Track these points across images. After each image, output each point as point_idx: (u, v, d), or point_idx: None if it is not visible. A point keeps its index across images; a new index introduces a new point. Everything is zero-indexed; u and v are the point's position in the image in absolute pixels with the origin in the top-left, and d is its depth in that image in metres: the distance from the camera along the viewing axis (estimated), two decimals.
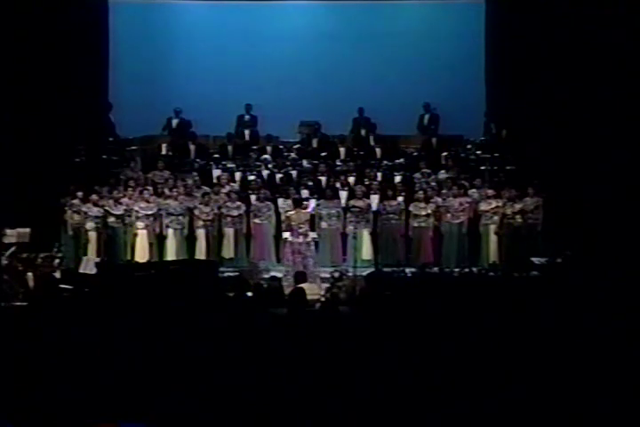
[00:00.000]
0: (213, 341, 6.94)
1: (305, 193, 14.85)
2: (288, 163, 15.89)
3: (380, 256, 14.29)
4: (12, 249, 12.56)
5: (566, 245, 12.94)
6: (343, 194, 14.86)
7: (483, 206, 14.47)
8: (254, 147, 16.39)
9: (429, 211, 14.41)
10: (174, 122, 16.98)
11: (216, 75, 17.79)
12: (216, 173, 15.64)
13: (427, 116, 17.18)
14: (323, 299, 11.75)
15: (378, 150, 16.33)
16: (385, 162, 15.94)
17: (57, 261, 12.93)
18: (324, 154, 16.12)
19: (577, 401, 5.89)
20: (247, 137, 16.85)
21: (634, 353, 6.63)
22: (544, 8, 15.91)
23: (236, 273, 13.00)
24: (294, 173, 15.63)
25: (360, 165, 15.68)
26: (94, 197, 14.33)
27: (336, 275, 12.65)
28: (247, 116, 17.07)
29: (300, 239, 13.39)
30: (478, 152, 16.17)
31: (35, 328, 7.41)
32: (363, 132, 16.88)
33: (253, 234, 14.39)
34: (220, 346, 6.80)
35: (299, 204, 13.90)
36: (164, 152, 16.53)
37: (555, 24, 15.76)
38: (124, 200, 14.45)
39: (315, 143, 16.54)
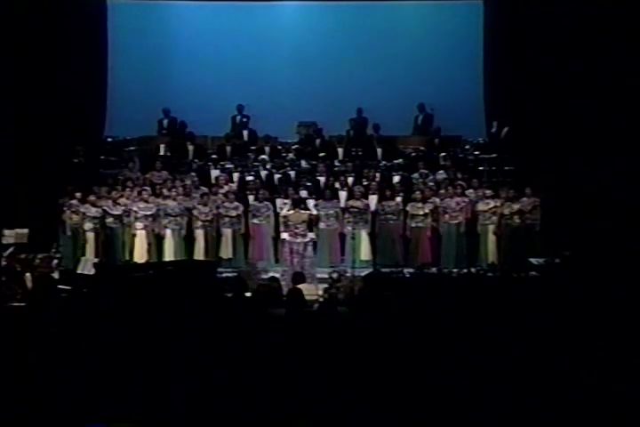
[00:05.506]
0: (212, 341, 6.94)
1: (303, 193, 14.84)
2: (286, 163, 15.88)
3: (379, 257, 14.27)
4: (11, 250, 12.54)
5: (565, 245, 12.94)
6: (342, 194, 14.86)
7: (481, 207, 14.46)
8: (252, 147, 16.38)
9: (427, 211, 14.39)
10: (165, 122, 17.01)
11: (215, 75, 17.75)
12: (214, 173, 15.63)
13: (420, 117, 17.15)
14: (321, 299, 11.74)
15: (379, 151, 16.29)
16: (383, 162, 15.93)
17: (55, 261, 12.91)
18: (322, 154, 16.11)
19: (576, 400, 5.90)
20: (245, 137, 16.84)
21: (633, 352, 6.63)
22: (543, 7, 15.92)
23: (235, 274, 12.99)
24: (292, 173, 15.62)
25: (358, 166, 15.66)
26: (92, 197, 14.33)
27: (334, 275, 12.63)
28: (239, 117, 17.03)
29: (298, 239, 13.39)
30: (476, 152, 16.18)
31: (33, 329, 7.40)
32: (362, 132, 16.85)
33: (252, 234, 14.38)
34: (219, 346, 6.80)
35: (297, 204, 13.89)
36: (162, 153, 16.50)
37: (553, 23, 15.77)
38: (123, 201, 14.45)
39: (314, 144, 16.50)
